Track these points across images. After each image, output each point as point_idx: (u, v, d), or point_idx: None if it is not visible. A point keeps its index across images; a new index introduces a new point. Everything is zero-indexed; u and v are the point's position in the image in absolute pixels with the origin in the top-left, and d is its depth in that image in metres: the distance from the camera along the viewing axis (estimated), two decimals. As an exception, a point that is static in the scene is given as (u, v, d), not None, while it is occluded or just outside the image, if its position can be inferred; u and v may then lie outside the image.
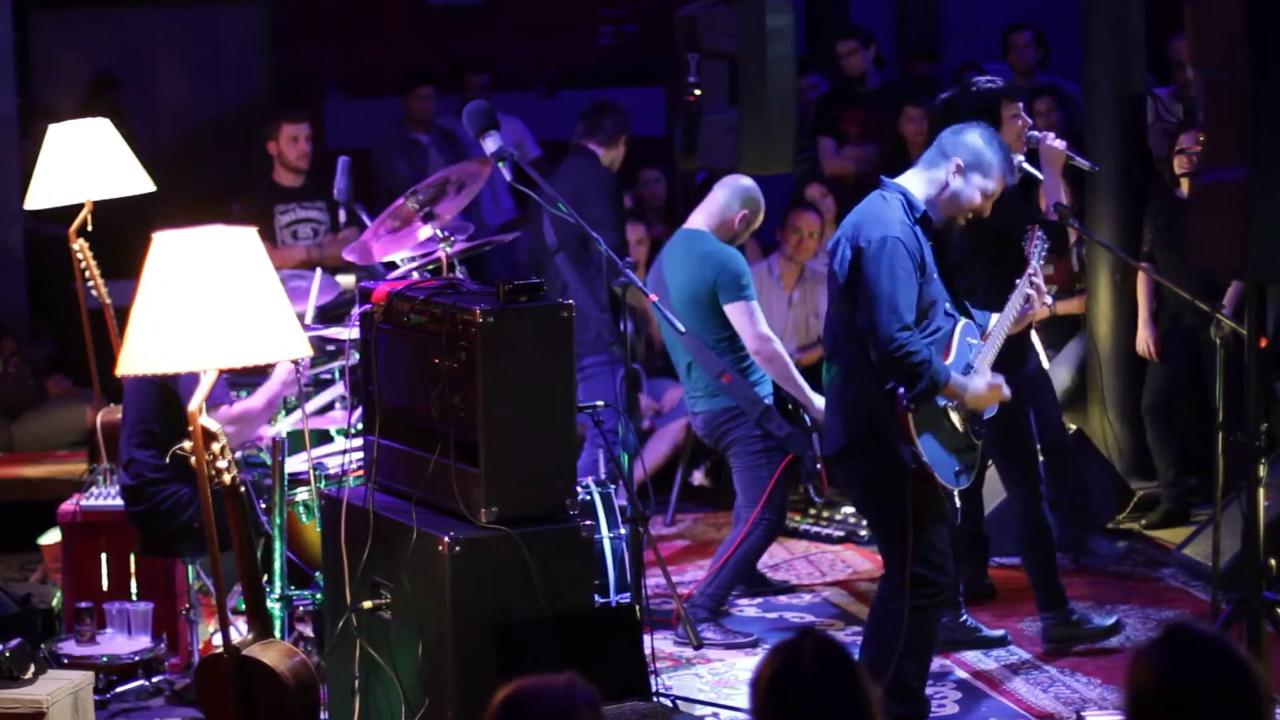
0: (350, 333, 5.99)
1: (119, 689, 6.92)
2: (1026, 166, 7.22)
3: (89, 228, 7.53)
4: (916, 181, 6.18)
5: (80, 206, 7.54)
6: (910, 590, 6.12)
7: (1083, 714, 6.58)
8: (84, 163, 7.60)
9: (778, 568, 8.56)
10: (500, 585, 5.48)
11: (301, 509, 6.94)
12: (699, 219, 7.83)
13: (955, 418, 6.11)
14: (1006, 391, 6.25)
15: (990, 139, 6.20)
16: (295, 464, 6.85)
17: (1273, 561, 6.48)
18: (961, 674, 7.11)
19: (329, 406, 7.29)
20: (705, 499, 9.63)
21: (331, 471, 6.77)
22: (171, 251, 4.99)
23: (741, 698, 6.72)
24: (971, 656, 7.28)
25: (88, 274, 7.51)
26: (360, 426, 6.05)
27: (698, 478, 9.69)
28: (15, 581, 7.98)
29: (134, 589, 7.37)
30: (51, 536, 7.94)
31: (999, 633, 7.44)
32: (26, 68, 12.39)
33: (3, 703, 6.05)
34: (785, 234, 9.54)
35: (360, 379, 5.97)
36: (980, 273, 7.08)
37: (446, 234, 6.13)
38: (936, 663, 6.95)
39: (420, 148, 11.12)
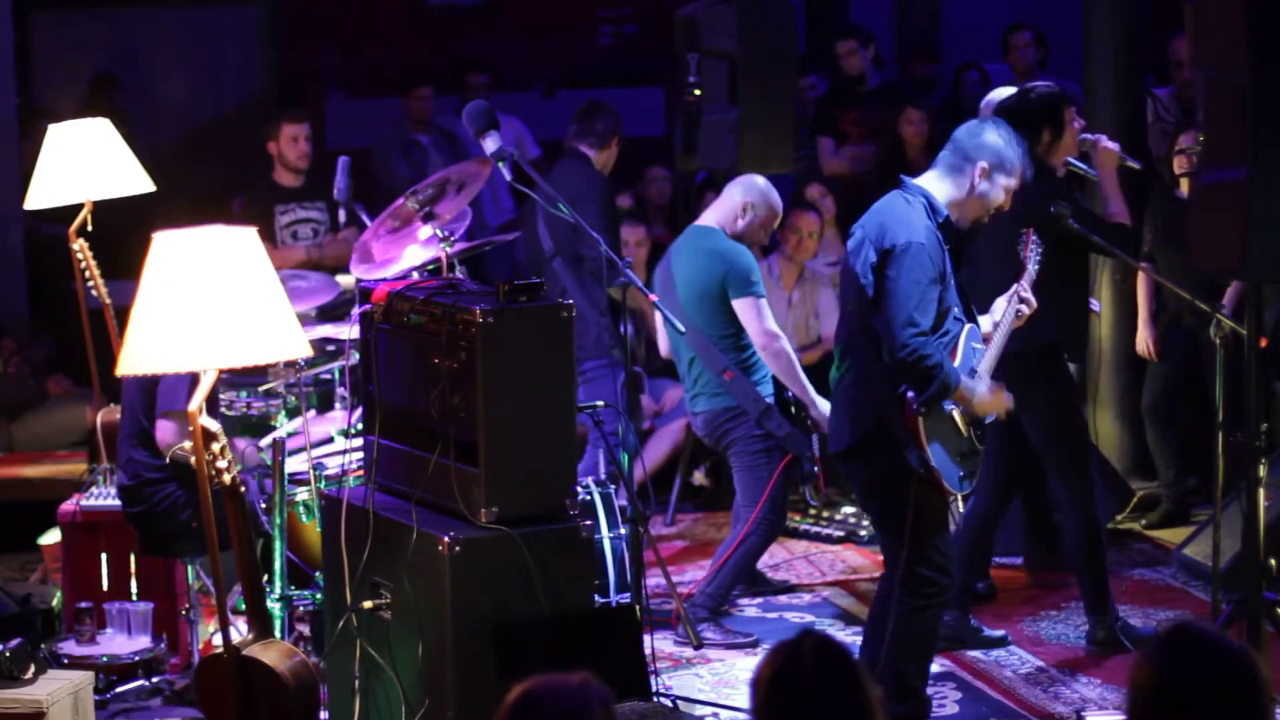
0: (350, 332, 5.99)
1: (119, 689, 6.92)
2: (1077, 165, 7.24)
3: (89, 228, 7.53)
4: (938, 185, 6.17)
5: (80, 206, 7.54)
6: (911, 590, 6.12)
7: (1083, 714, 6.58)
8: (84, 163, 7.60)
9: (778, 568, 8.56)
10: (500, 585, 5.48)
11: (301, 509, 6.94)
12: (710, 216, 7.83)
13: (960, 423, 6.12)
14: (1009, 399, 6.25)
15: (1008, 136, 6.20)
16: (295, 464, 6.85)
17: (1273, 561, 6.48)
18: (962, 674, 7.12)
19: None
20: (705, 499, 9.63)
21: (331, 471, 6.77)
22: (171, 251, 4.99)
23: (741, 698, 6.72)
24: (972, 656, 7.28)
25: (88, 274, 7.51)
26: (360, 426, 6.05)
27: (698, 478, 9.69)
28: (15, 581, 7.98)
29: (134, 589, 7.37)
30: (51, 536, 7.94)
31: (999, 633, 7.44)
32: (26, 68, 12.38)
33: (3, 703, 6.05)
34: (785, 234, 9.53)
35: (360, 379, 5.97)
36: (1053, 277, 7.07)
37: (446, 233, 6.13)
38: (936, 663, 6.95)
39: (420, 148, 11.11)
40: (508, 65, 13.94)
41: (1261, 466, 6.38)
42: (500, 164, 6.19)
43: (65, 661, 6.84)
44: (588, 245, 8.20)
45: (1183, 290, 7.56)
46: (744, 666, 7.22)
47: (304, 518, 6.95)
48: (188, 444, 5.19)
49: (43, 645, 6.72)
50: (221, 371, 5.21)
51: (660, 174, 11.06)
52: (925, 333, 5.92)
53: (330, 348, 7.59)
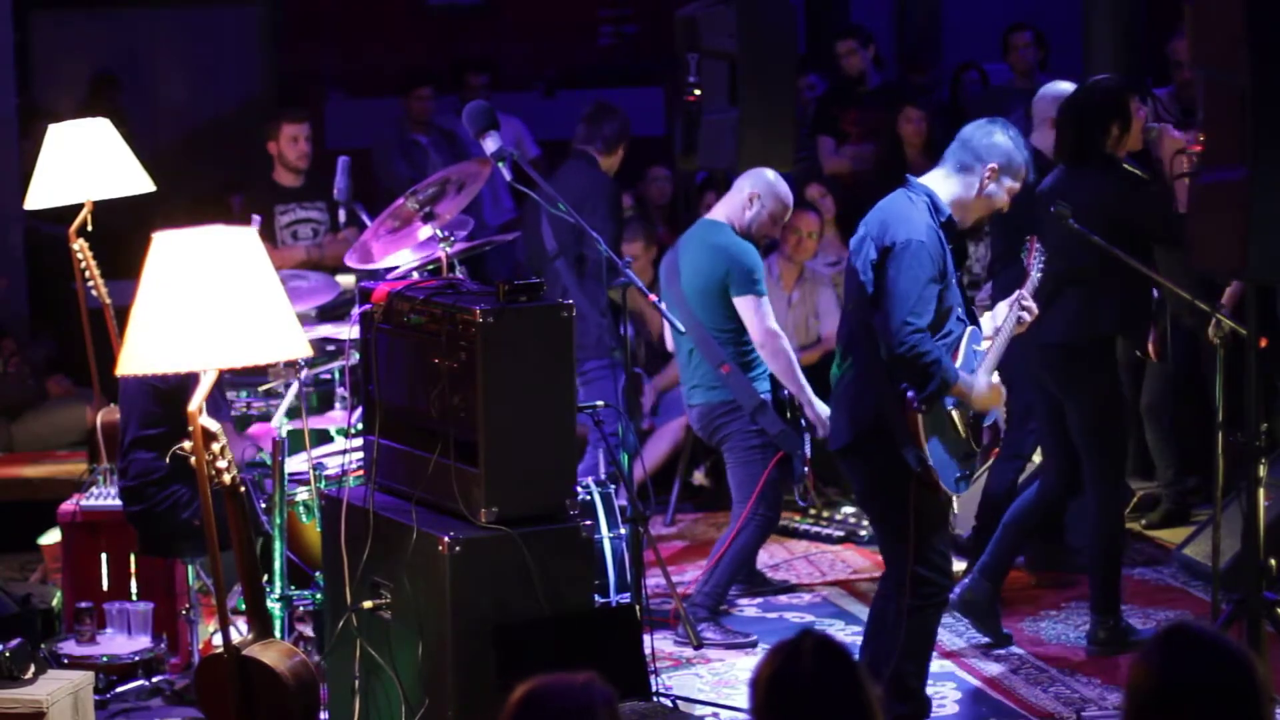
0: (350, 332, 5.99)
1: (119, 689, 6.92)
2: (1128, 168, 7.28)
3: (89, 228, 7.52)
4: (944, 184, 6.16)
5: (80, 206, 7.54)
6: (910, 590, 6.12)
7: (1083, 714, 6.58)
8: (84, 163, 7.60)
9: (778, 568, 8.56)
10: (500, 585, 5.48)
11: (301, 509, 6.94)
12: (720, 210, 7.83)
13: (959, 424, 6.12)
14: (1004, 394, 6.27)
15: (1016, 137, 6.21)
16: (295, 464, 6.85)
17: (1273, 561, 6.48)
18: (961, 674, 7.12)
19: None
20: (705, 499, 9.63)
21: (331, 471, 6.77)
22: (171, 251, 4.99)
23: (741, 698, 6.72)
24: (972, 656, 7.28)
25: (88, 274, 7.51)
26: (360, 426, 6.05)
27: (698, 478, 9.69)
28: (15, 581, 7.98)
29: (134, 589, 7.37)
30: (51, 536, 7.94)
31: (1005, 632, 7.42)
32: (26, 68, 12.39)
33: (3, 703, 6.05)
34: (784, 234, 9.52)
35: (360, 379, 5.97)
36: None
37: (446, 234, 6.13)
38: (937, 663, 6.94)
39: (420, 148, 11.11)
40: (508, 65, 13.94)
41: (1261, 466, 6.38)
42: (500, 164, 6.19)
43: (65, 661, 6.84)
44: (590, 246, 8.21)
45: (1183, 290, 7.56)
46: (744, 666, 7.22)
47: (304, 518, 6.95)
48: (187, 444, 5.18)
49: (43, 645, 6.72)
50: (221, 371, 5.21)
51: (661, 174, 11.06)
52: (922, 330, 5.92)
53: (330, 348, 7.59)
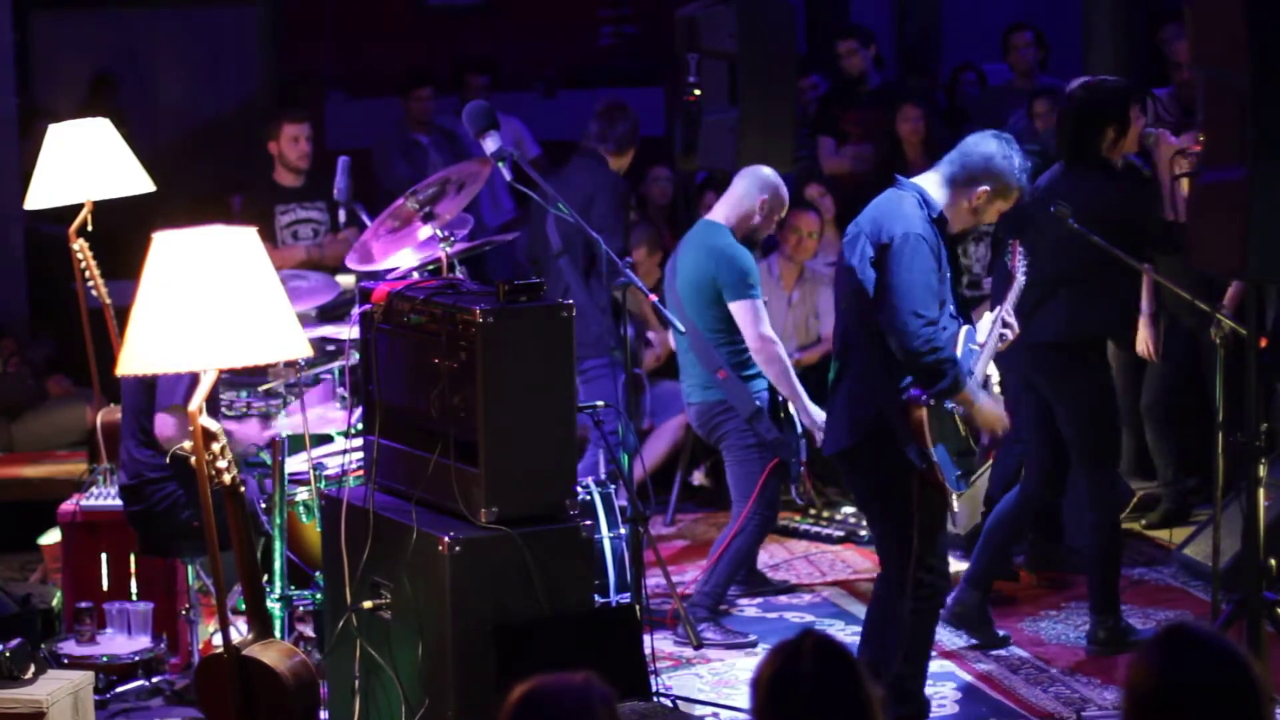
0: (350, 332, 5.99)
1: (119, 689, 6.92)
2: (1133, 166, 7.28)
3: (89, 228, 7.53)
4: (936, 190, 6.15)
5: (80, 206, 7.54)
6: (908, 591, 6.12)
7: (1083, 714, 6.58)
8: (84, 163, 7.60)
9: (778, 568, 8.56)
10: (500, 585, 5.48)
11: (301, 509, 6.94)
12: (719, 211, 7.82)
13: (959, 422, 6.12)
14: (1007, 422, 6.26)
15: (1018, 160, 6.17)
16: (295, 464, 6.85)
17: (1273, 561, 6.48)
18: (961, 674, 7.12)
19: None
20: (705, 499, 9.63)
21: (331, 471, 6.77)
22: (171, 251, 4.99)
23: (741, 698, 6.72)
24: (971, 656, 7.28)
25: (88, 274, 7.51)
26: (360, 426, 6.05)
27: (698, 478, 9.69)
28: (15, 581, 7.98)
29: (134, 589, 7.37)
30: (51, 536, 7.94)
31: (1001, 633, 7.43)
32: (26, 68, 12.39)
33: (3, 703, 6.05)
34: (784, 234, 9.53)
35: (360, 379, 5.97)
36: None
37: (446, 233, 6.13)
38: (936, 663, 6.95)
39: (420, 148, 11.11)
40: (508, 65, 13.94)
41: (1261, 466, 6.37)
42: (500, 164, 6.19)
43: (65, 661, 6.84)
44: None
45: (1183, 290, 7.56)
46: (744, 666, 7.22)
47: (304, 518, 6.95)
48: (188, 444, 5.18)
49: (43, 645, 6.72)
50: (221, 371, 5.21)
51: (662, 174, 11.06)
52: (934, 323, 5.91)
53: (330, 348, 7.59)
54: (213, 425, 5.15)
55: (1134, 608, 7.77)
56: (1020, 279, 6.48)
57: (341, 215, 9.02)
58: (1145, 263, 7.35)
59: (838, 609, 8.00)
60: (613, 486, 7.24)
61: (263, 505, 6.88)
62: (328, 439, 7.18)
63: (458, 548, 5.41)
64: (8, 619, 6.76)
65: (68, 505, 7.48)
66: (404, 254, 6.27)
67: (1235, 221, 5.99)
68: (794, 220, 9.49)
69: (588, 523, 5.68)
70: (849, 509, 9.10)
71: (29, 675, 6.15)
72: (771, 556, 8.64)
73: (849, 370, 6.15)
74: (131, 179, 7.71)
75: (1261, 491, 6.39)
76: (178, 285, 4.94)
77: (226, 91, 13.35)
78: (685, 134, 9.24)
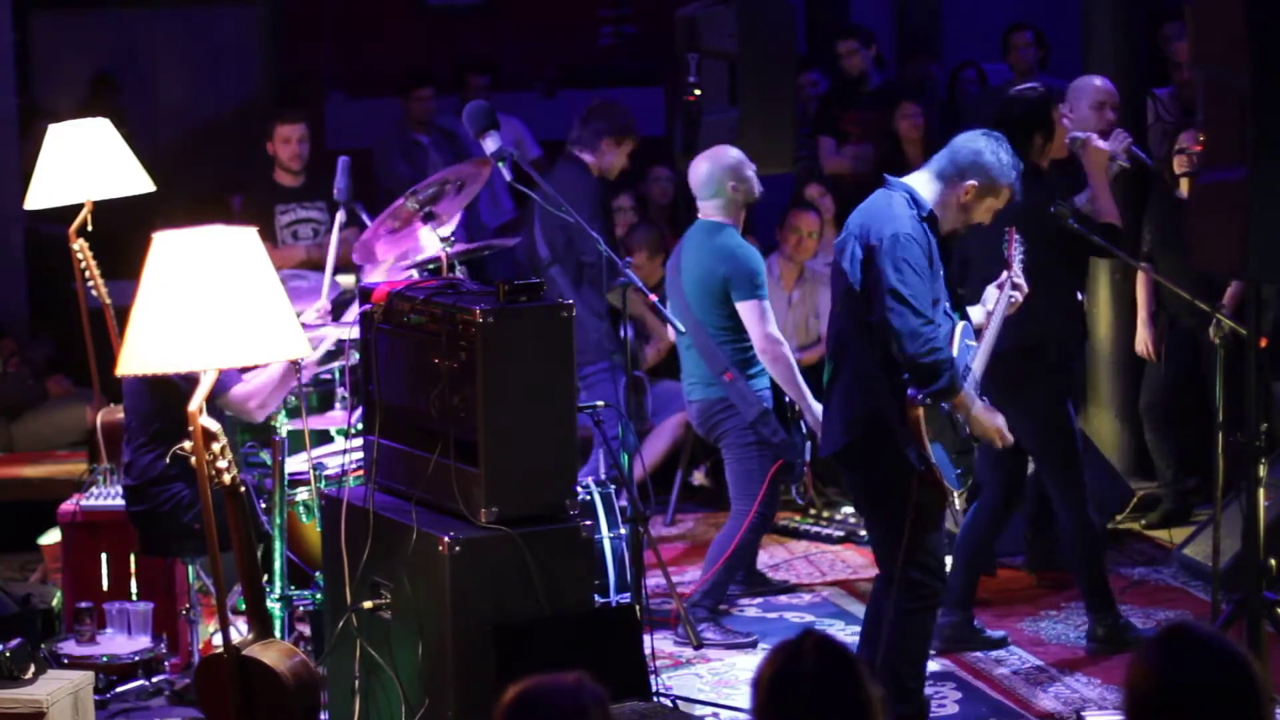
0: (350, 332, 5.99)
1: (119, 689, 6.92)
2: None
3: (89, 228, 7.53)
4: (926, 187, 6.15)
5: (80, 206, 7.54)
6: (904, 593, 6.12)
7: (1083, 714, 6.58)
8: (84, 163, 7.60)
9: (778, 568, 8.56)
10: (500, 585, 5.48)
11: (301, 509, 6.94)
12: (711, 209, 7.75)
13: (955, 421, 6.12)
14: (1009, 437, 6.25)
15: (1006, 156, 6.17)
16: (295, 464, 6.85)
17: (1273, 561, 6.48)
18: (961, 674, 7.12)
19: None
20: (705, 499, 9.63)
21: (331, 471, 6.77)
22: (171, 251, 4.99)
23: (741, 698, 6.72)
24: (972, 656, 7.28)
25: (88, 274, 7.51)
26: (360, 426, 6.05)
27: (698, 478, 9.69)
28: (15, 581, 7.98)
29: (134, 589, 7.37)
30: (51, 536, 7.94)
31: (999, 634, 7.43)
32: (26, 68, 12.38)
33: (3, 703, 6.05)
34: (785, 234, 9.54)
35: (360, 379, 5.97)
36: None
37: (447, 235, 6.13)
38: (936, 663, 6.96)
39: (420, 148, 11.11)
40: (507, 65, 13.94)
41: (1261, 466, 6.38)
42: (500, 164, 6.19)
43: (65, 661, 6.84)
44: (587, 252, 8.20)
45: (1182, 290, 7.56)
46: (744, 666, 7.22)
47: (304, 518, 6.95)
48: (188, 444, 5.18)
49: (43, 645, 6.72)
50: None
51: (663, 174, 11.06)
52: (931, 321, 5.91)
53: (330, 348, 7.58)
54: (213, 425, 5.15)
55: (1134, 608, 7.77)
56: (1017, 266, 6.47)
57: (341, 215, 9.03)
58: (1145, 263, 7.36)
59: (838, 609, 8.00)
60: (613, 487, 7.24)
61: (263, 505, 6.88)
62: (328, 439, 7.19)
63: (458, 548, 5.41)
64: (8, 619, 6.76)
65: (68, 505, 7.48)
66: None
67: (1235, 221, 5.99)
68: (794, 220, 9.50)
69: (588, 523, 5.68)
70: (849, 509, 9.10)
71: (29, 675, 6.15)
72: (771, 556, 8.64)
73: (844, 371, 6.15)
74: (131, 179, 7.71)
75: (1261, 491, 6.40)
76: (178, 285, 4.94)
77: (226, 91, 13.34)
78: (685, 134, 9.23)
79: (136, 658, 7.00)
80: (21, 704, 6.06)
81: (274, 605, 6.61)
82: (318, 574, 6.72)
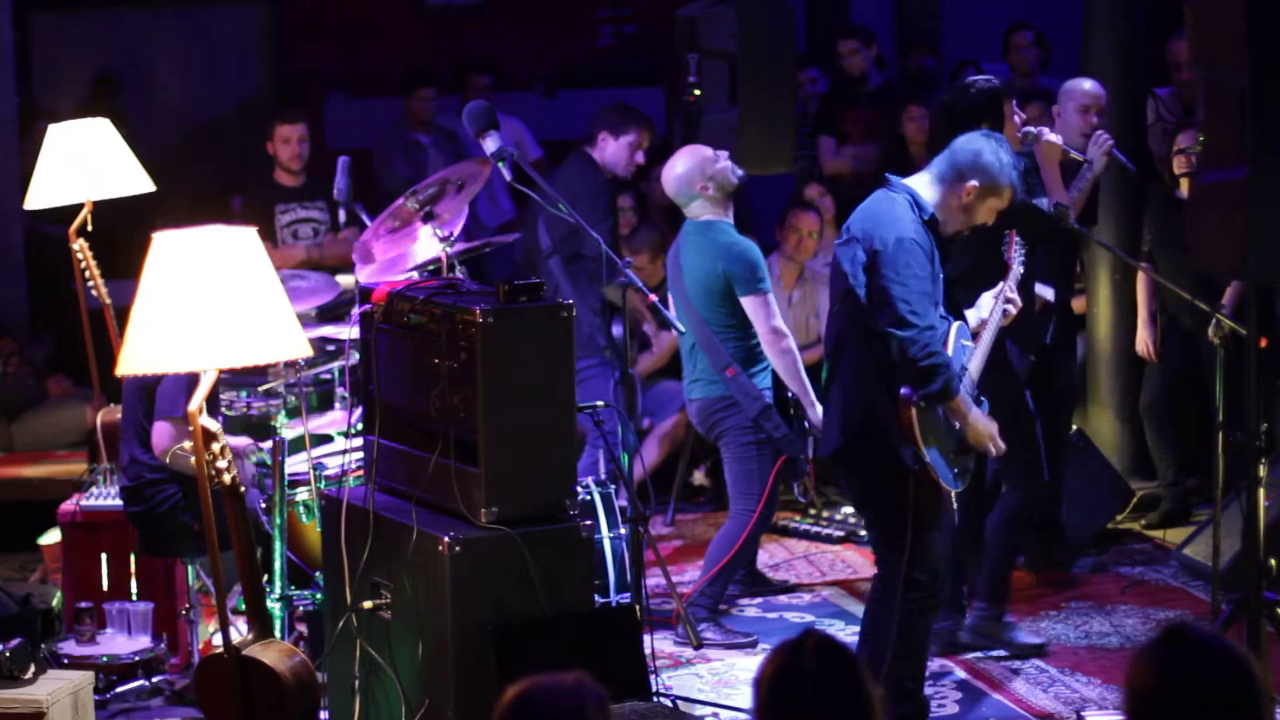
0: (350, 332, 5.99)
1: (119, 689, 6.92)
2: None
3: (89, 228, 7.53)
4: (927, 189, 6.16)
5: (80, 206, 7.54)
6: (905, 593, 6.12)
7: (1083, 714, 6.58)
8: (84, 163, 7.60)
9: (778, 568, 8.56)
10: (500, 585, 5.48)
11: (301, 509, 6.94)
12: (700, 208, 7.76)
13: (952, 421, 6.12)
14: (1002, 445, 6.24)
15: (1007, 157, 6.17)
16: (295, 464, 6.85)
17: (1273, 561, 6.48)
18: (961, 674, 7.11)
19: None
20: (705, 499, 9.63)
21: (331, 471, 6.77)
22: (171, 251, 4.99)
23: (741, 698, 6.72)
24: (971, 656, 7.27)
25: (88, 274, 7.51)
26: (360, 426, 6.05)
27: (698, 478, 9.69)
28: (15, 581, 7.98)
29: (134, 589, 7.37)
30: (51, 536, 7.94)
31: (1036, 640, 7.36)
32: (26, 68, 12.38)
33: (3, 703, 6.05)
34: (785, 234, 9.54)
35: (360, 379, 5.97)
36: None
37: (445, 233, 6.13)
38: (936, 663, 6.96)
39: (420, 148, 11.11)
40: (507, 65, 13.93)
41: (1261, 466, 6.38)
42: (500, 164, 6.19)
43: (65, 661, 6.84)
44: (587, 245, 8.20)
45: (1182, 290, 7.56)
46: (744, 666, 7.22)
47: (304, 518, 6.95)
48: (187, 444, 5.18)
49: (43, 645, 6.72)
50: (221, 371, 5.21)
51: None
52: (931, 328, 5.92)
53: (330, 348, 7.59)
54: (213, 425, 5.15)
55: (1134, 608, 7.78)
56: (1017, 268, 6.47)
57: (341, 215, 9.03)
58: (1145, 263, 7.35)
59: (838, 609, 8.00)
60: (613, 487, 7.24)
61: (263, 505, 6.88)
62: (327, 439, 7.19)
63: (458, 548, 5.42)
64: (8, 619, 6.76)
65: (68, 505, 7.49)
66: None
67: (1235, 221, 5.99)
68: (794, 220, 9.51)
69: (588, 523, 5.68)
70: (849, 509, 9.10)
71: (29, 675, 6.16)
72: (771, 556, 8.64)
73: (841, 371, 6.15)
74: (131, 179, 7.71)
75: (1261, 491, 6.40)
76: (178, 285, 4.94)
77: (226, 91, 13.35)
78: (685, 134, 9.23)
79: (136, 658, 7.00)
80: (21, 704, 6.06)
81: (274, 605, 6.60)
82: (318, 574, 6.72)
